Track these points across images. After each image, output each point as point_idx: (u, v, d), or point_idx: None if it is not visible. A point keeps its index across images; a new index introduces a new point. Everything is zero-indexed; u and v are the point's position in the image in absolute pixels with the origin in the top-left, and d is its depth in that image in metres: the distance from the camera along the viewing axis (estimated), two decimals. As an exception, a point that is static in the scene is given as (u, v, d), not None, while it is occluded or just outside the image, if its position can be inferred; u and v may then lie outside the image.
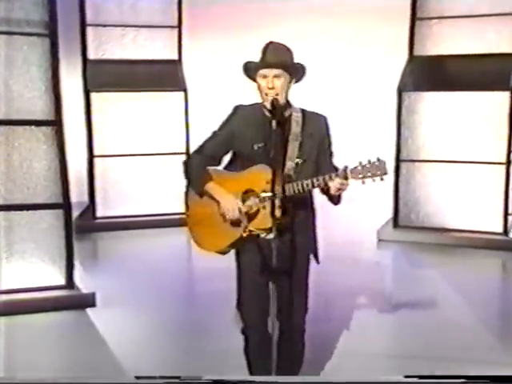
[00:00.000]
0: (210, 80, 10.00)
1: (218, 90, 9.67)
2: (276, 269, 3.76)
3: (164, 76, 9.16)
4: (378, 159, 3.75)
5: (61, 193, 6.20)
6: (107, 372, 4.93)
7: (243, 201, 3.93)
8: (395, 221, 8.52)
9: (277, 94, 3.85)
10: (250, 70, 3.91)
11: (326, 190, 3.85)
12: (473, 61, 8.02)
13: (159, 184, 9.03)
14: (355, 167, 3.74)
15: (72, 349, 5.48)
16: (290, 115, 3.95)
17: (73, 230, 6.36)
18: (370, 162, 3.73)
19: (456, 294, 6.40)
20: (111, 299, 6.25)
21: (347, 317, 5.88)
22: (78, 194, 8.11)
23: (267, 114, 3.89)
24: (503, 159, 8.00)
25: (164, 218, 8.75)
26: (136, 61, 9.12)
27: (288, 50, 3.92)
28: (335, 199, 3.92)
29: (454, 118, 8.17)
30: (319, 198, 3.99)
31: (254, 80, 3.92)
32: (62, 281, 6.24)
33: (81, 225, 8.47)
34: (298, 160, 3.92)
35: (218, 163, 4.05)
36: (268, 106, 3.86)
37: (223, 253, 4.07)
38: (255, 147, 3.92)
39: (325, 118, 4.02)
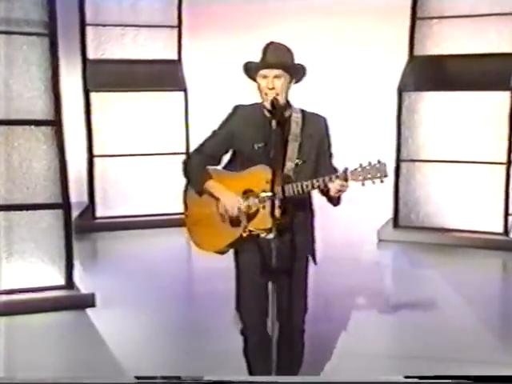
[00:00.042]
0: (209, 80, 9.99)
1: (217, 90, 9.66)
2: (276, 269, 3.75)
3: (164, 76, 9.15)
4: (379, 161, 3.74)
5: (60, 193, 6.19)
6: (107, 372, 4.93)
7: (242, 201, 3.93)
8: (395, 221, 8.51)
9: (277, 94, 3.85)
10: (251, 70, 3.91)
11: (325, 192, 3.85)
12: (473, 61, 8.02)
13: (159, 184, 9.02)
14: (355, 169, 3.74)
15: (72, 349, 5.47)
16: (290, 116, 3.95)
17: (72, 230, 6.35)
18: (370, 163, 3.73)
19: (456, 295, 6.40)
20: (111, 299, 6.24)
21: (347, 317, 5.87)
22: (77, 194, 8.10)
23: (267, 114, 3.89)
24: (503, 159, 7.99)
25: (164, 218, 8.74)
26: (136, 60, 9.12)
27: (288, 50, 3.92)
28: (335, 200, 3.92)
29: (455, 118, 8.17)
30: (319, 199, 3.98)
31: (254, 80, 3.92)
32: (61, 281, 6.23)
33: (80, 225, 8.47)
34: (297, 161, 3.92)
35: (218, 163, 4.04)
36: (268, 106, 3.86)
37: (222, 253, 4.07)
38: (255, 147, 3.91)
39: (324, 119, 4.02)
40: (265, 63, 3.86)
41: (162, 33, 9.21)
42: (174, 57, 9.30)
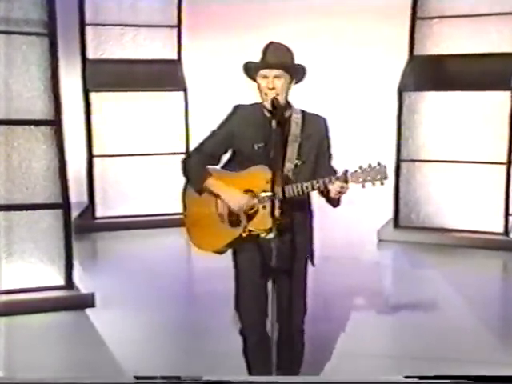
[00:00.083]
0: (209, 80, 9.98)
1: (217, 90, 9.65)
2: (275, 269, 3.75)
3: (163, 76, 9.14)
4: (379, 163, 3.75)
5: (60, 193, 6.19)
6: (107, 372, 4.93)
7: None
8: (396, 221, 8.51)
9: (277, 94, 3.85)
10: (251, 70, 3.91)
11: (325, 193, 3.84)
12: (473, 60, 8.01)
13: (159, 184, 9.02)
14: (355, 171, 3.75)
15: (71, 349, 5.47)
16: (290, 116, 3.95)
17: (72, 230, 6.34)
18: (370, 165, 3.74)
19: (457, 295, 6.39)
20: (111, 299, 6.24)
21: (348, 317, 5.87)
22: (77, 194, 8.09)
23: (267, 114, 3.89)
24: (504, 159, 7.99)
25: (164, 218, 8.73)
26: (135, 60, 9.11)
27: (288, 50, 3.92)
28: (334, 202, 3.92)
29: (455, 118, 8.16)
30: (320, 199, 3.98)
31: (255, 80, 3.91)
32: (61, 281, 6.23)
33: (80, 225, 8.46)
34: (297, 161, 3.92)
35: (217, 162, 4.04)
36: (268, 106, 3.86)
37: (220, 252, 4.07)
38: (255, 147, 3.91)
39: (324, 120, 4.01)
40: (265, 63, 3.86)
41: (161, 32, 9.20)
42: (174, 57, 9.30)
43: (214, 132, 4.02)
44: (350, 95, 10.25)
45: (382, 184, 3.74)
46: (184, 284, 7.24)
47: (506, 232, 8.08)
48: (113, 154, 9.07)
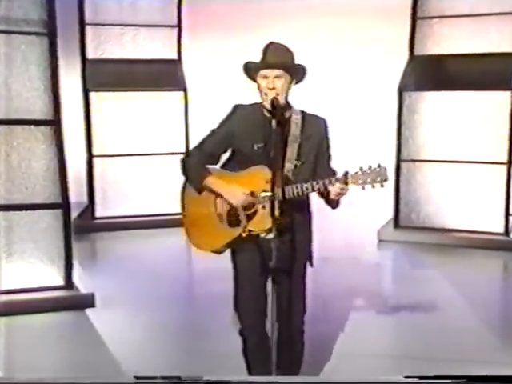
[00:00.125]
0: (209, 80, 9.97)
1: (217, 90, 9.64)
2: (275, 269, 3.74)
3: (163, 75, 9.14)
4: (379, 165, 3.75)
5: (60, 193, 6.18)
6: (107, 372, 4.92)
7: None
8: (396, 221, 8.50)
9: (277, 94, 3.85)
10: (251, 70, 3.91)
11: (325, 194, 3.84)
12: (474, 60, 8.01)
13: (158, 184, 9.01)
14: (356, 172, 3.74)
15: (71, 349, 5.46)
16: (290, 117, 3.95)
17: (72, 230, 6.34)
18: (370, 167, 3.73)
19: (457, 295, 6.38)
20: (110, 300, 6.23)
21: (348, 317, 5.86)
22: (77, 194, 8.07)
23: (267, 114, 3.89)
24: (504, 159, 7.98)
25: (163, 218, 8.72)
26: (135, 60, 9.11)
27: (289, 50, 3.92)
28: (334, 203, 3.92)
29: (455, 118, 8.16)
30: (319, 201, 3.97)
31: (254, 80, 3.91)
32: (60, 281, 6.22)
33: (80, 225, 8.46)
34: (296, 162, 3.92)
35: (217, 161, 4.04)
36: (268, 106, 3.86)
37: (219, 252, 4.07)
38: (255, 147, 3.91)
39: (324, 121, 4.01)
40: (265, 63, 3.86)
41: (161, 32, 9.20)
42: (174, 56, 9.29)
43: (213, 131, 4.01)
44: (350, 95, 10.25)
45: (381, 186, 3.74)
46: (184, 284, 7.23)
47: (507, 232, 8.07)
48: (112, 154, 9.07)
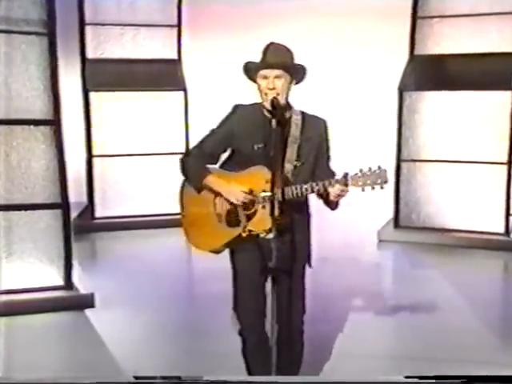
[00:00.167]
0: (209, 80, 9.97)
1: (217, 90, 9.64)
2: (275, 269, 3.74)
3: (163, 75, 9.13)
4: (379, 167, 3.74)
5: (59, 193, 6.18)
6: (106, 372, 4.92)
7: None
8: (396, 221, 8.50)
9: (277, 94, 3.84)
10: (251, 70, 3.91)
11: (325, 196, 3.84)
12: (474, 60, 8.00)
13: (158, 184, 9.01)
14: (355, 174, 3.74)
15: (71, 349, 5.47)
16: (290, 117, 3.95)
17: (71, 230, 6.33)
18: (370, 169, 3.73)
19: (457, 295, 6.38)
20: (110, 300, 6.23)
21: (348, 317, 5.86)
22: (76, 194, 8.07)
23: (267, 114, 3.88)
24: (505, 159, 7.98)
25: (163, 218, 8.71)
26: (135, 60, 9.11)
27: (288, 50, 3.92)
28: (333, 204, 3.92)
29: (455, 118, 8.15)
30: (319, 202, 3.97)
31: (254, 81, 3.91)
32: (60, 281, 6.22)
33: (79, 225, 8.45)
34: (296, 162, 3.92)
35: (216, 161, 4.04)
36: (268, 106, 3.86)
37: (217, 252, 4.07)
38: (255, 147, 3.91)
39: (324, 122, 4.01)
40: (265, 63, 3.86)
41: (161, 32, 9.20)
42: (174, 56, 9.29)
43: (213, 131, 4.01)
44: (350, 95, 10.25)
45: (381, 188, 3.73)
46: (184, 284, 7.23)
47: (507, 232, 8.07)
48: (112, 154, 9.07)
